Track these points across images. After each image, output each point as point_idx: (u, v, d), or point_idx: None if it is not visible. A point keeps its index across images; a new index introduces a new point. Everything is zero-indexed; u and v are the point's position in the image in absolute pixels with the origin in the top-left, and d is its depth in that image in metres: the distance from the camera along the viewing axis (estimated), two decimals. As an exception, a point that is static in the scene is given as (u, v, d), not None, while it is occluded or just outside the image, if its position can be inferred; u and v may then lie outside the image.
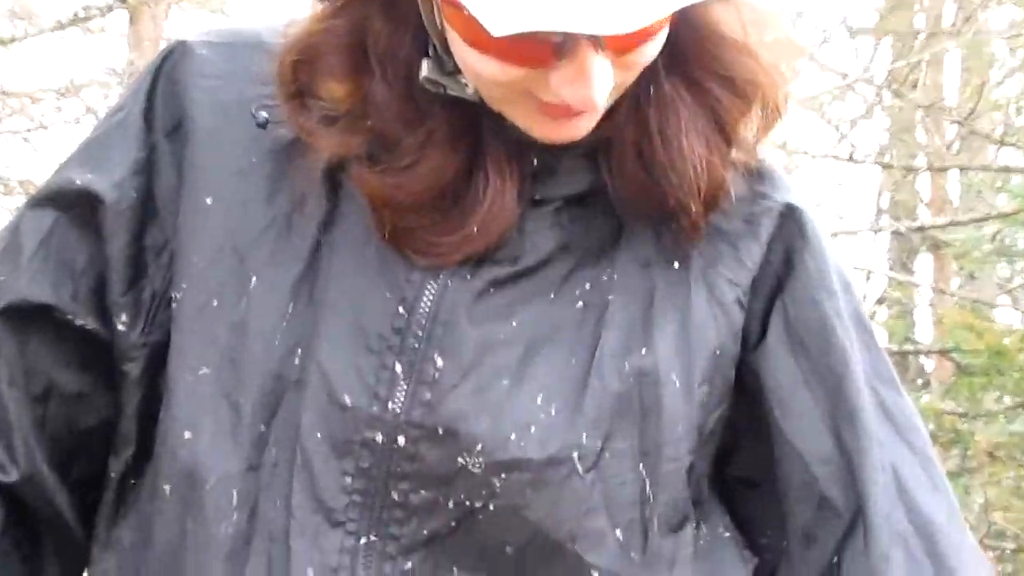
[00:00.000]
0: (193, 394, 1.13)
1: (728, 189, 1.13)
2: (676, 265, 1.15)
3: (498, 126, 1.11)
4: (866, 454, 1.15)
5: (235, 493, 1.11)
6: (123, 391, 1.17)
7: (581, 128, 1.07)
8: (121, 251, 1.16)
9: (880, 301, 8.12)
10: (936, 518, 1.15)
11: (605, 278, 1.14)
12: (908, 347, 6.89)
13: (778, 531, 1.18)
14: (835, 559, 1.15)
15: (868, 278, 8.06)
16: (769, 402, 1.16)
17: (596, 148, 1.12)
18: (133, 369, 1.16)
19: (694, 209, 1.12)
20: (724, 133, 1.12)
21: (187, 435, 1.12)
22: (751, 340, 1.17)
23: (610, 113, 1.09)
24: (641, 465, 1.11)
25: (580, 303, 1.13)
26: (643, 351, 1.12)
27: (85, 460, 1.20)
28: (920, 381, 7.55)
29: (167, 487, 1.13)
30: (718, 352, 1.15)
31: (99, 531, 1.19)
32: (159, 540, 1.14)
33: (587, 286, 1.14)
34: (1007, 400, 5.81)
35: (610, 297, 1.13)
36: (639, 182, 1.12)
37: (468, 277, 1.12)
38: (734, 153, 1.13)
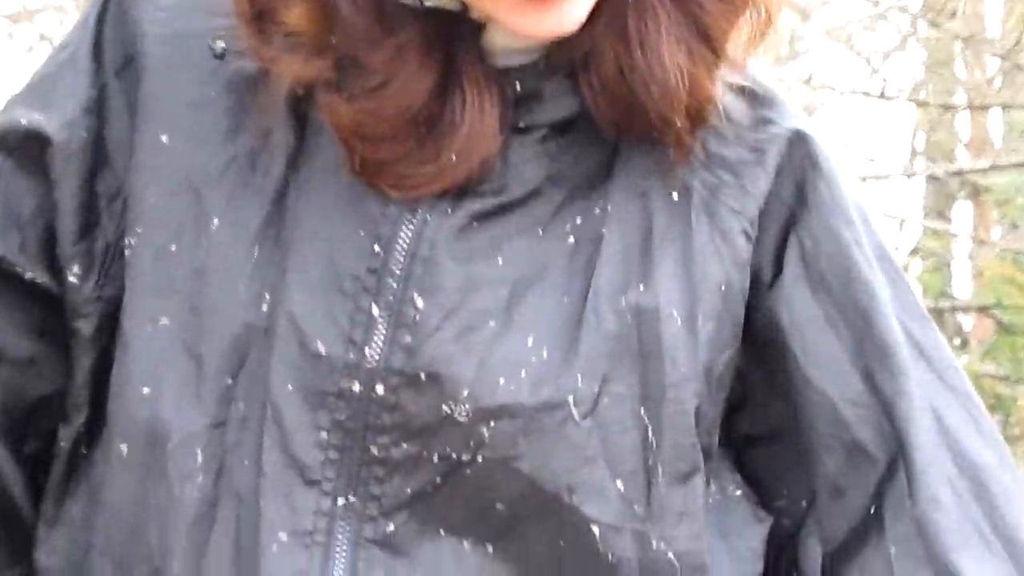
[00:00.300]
0: (151, 347, 1.13)
1: (715, 103, 1.14)
2: (675, 196, 1.16)
3: (476, 43, 1.12)
4: (903, 394, 1.16)
5: (200, 452, 1.12)
6: (75, 352, 1.18)
7: (567, 15, 1.07)
8: (72, 196, 1.17)
9: (914, 252, 8.14)
10: (984, 461, 1.16)
11: (597, 211, 1.15)
12: (944, 303, 6.90)
13: (796, 489, 1.20)
14: (872, 508, 1.16)
15: (901, 227, 8.08)
16: (789, 344, 1.18)
17: (579, 71, 1.13)
18: (85, 326, 1.17)
19: (678, 124, 1.13)
20: (709, 43, 1.12)
21: (146, 391, 1.13)
22: (764, 279, 1.18)
23: (590, 24, 1.10)
24: (642, 409, 1.12)
25: (571, 238, 1.14)
26: (641, 287, 1.13)
27: (38, 435, 1.20)
28: (958, 340, 7.58)
29: (124, 447, 1.14)
30: (723, 287, 1.16)
31: (47, 508, 1.20)
32: (116, 508, 1.15)
33: (578, 220, 1.15)
34: (1053, 362, 5.84)
35: (603, 231, 1.14)
36: (621, 98, 1.12)
37: (449, 211, 1.13)
38: (724, 69, 1.14)
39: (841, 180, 1.20)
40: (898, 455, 1.16)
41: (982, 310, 6.61)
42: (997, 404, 5.84)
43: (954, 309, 7.16)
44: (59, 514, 1.18)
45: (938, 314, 6.84)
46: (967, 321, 8.05)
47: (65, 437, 1.19)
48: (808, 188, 1.19)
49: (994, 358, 6.11)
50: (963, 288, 8.30)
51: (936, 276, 7.89)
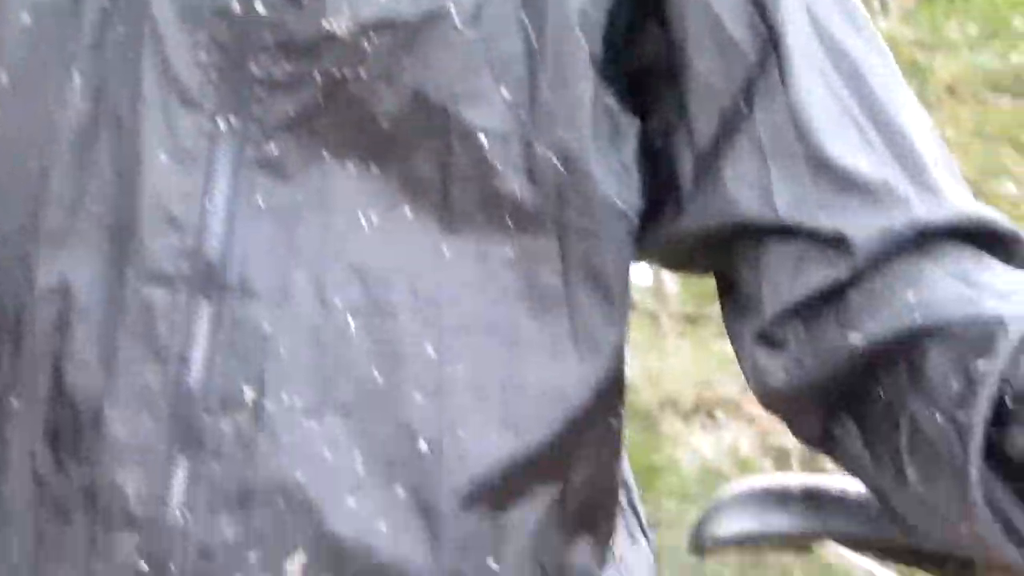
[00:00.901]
0: None
1: None
2: None
3: None
4: None
5: (77, 74, 1.14)
6: None
7: None
8: None
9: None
10: (860, 56, 1.18)
11: None
12: (865, -35, 6.88)
13: (668, 105, 1.21)
14: (742, 100, 1.18)
15: None
16: None
17: None
18: None
19: None
20: None
21: (24, 18, 1.15)
22: None
23: None
24: (523, 15, 1.15)
25: None
26: None
27: None
28: (877, 3, 7.58)
29: (4, 77, 1.16)
30: None
31: None
32: None
33: None
34: (973, 29, 5.87)
35: None
36: None
37: None
38: None
39: None
40: (768, 47, 1.17)
41: (903, -26, 6.59)
42: (915, 71, 5.89)
43: (875, -28, 7.14)
44: None
45: (858, -23, 6.83)
46: (888, -15, 8.03)
47: None
48: None
49: (913, 24, 6.12)
50: (886, -50, 8.26)
51: (858, -63, 7.83)
